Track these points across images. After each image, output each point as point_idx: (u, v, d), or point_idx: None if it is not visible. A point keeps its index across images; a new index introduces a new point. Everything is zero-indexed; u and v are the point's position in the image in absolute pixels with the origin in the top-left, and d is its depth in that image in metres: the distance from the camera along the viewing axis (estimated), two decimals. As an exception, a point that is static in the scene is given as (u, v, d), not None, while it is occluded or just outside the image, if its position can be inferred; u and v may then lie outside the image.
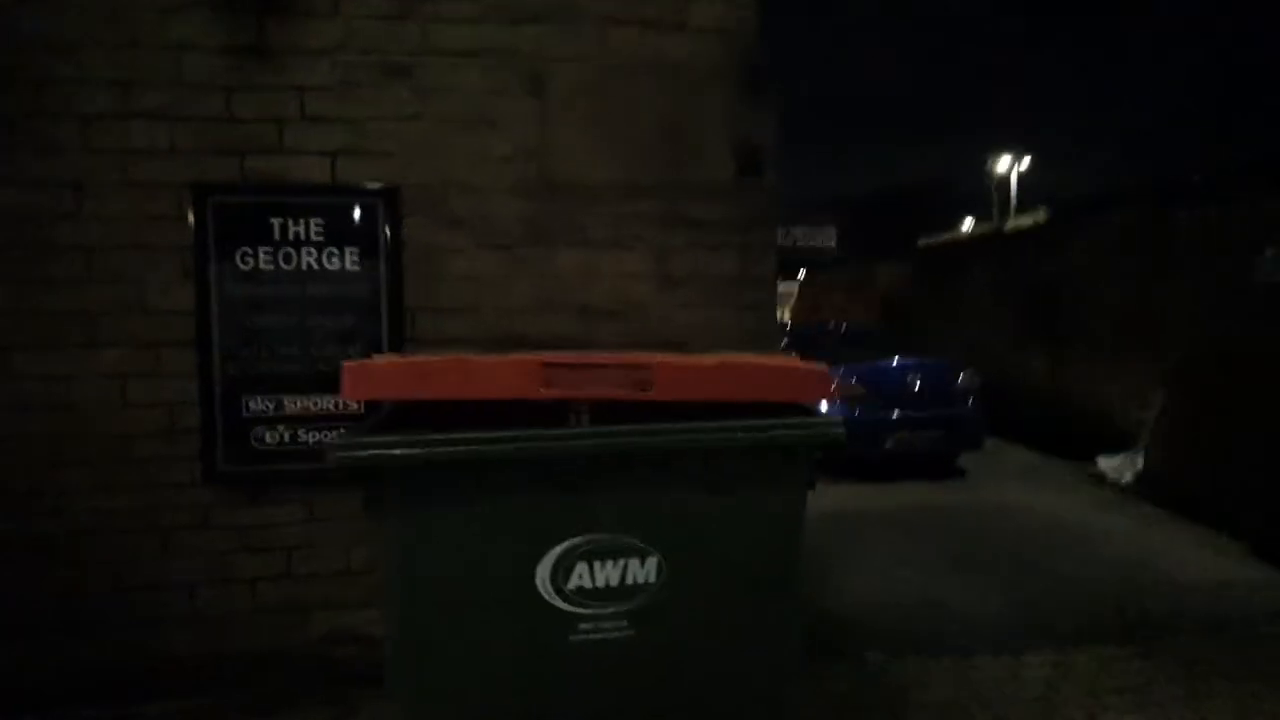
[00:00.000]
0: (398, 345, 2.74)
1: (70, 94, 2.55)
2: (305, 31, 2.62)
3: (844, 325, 8.99)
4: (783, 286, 17.71)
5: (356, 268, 2.71)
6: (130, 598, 2.66)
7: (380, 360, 1.72)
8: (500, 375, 1.66)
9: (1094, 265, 7.45)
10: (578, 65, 2.78)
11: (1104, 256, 7.34)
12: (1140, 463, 5.70)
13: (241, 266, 2.65)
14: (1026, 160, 29.77)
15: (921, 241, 13.50)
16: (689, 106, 2.84)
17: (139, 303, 2.63)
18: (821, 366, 1.80)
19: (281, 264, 2.67)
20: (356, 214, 2.70)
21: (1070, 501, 5.59)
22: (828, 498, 5.77)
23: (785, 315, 15.71)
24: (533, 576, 1.67)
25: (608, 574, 1.72)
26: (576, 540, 1.69)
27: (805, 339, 7.41)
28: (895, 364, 6.39)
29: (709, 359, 1.76)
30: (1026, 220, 9.80)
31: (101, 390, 2.63)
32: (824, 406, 6.04)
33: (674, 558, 1.74)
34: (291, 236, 2.67)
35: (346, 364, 1.65)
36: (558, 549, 1.69)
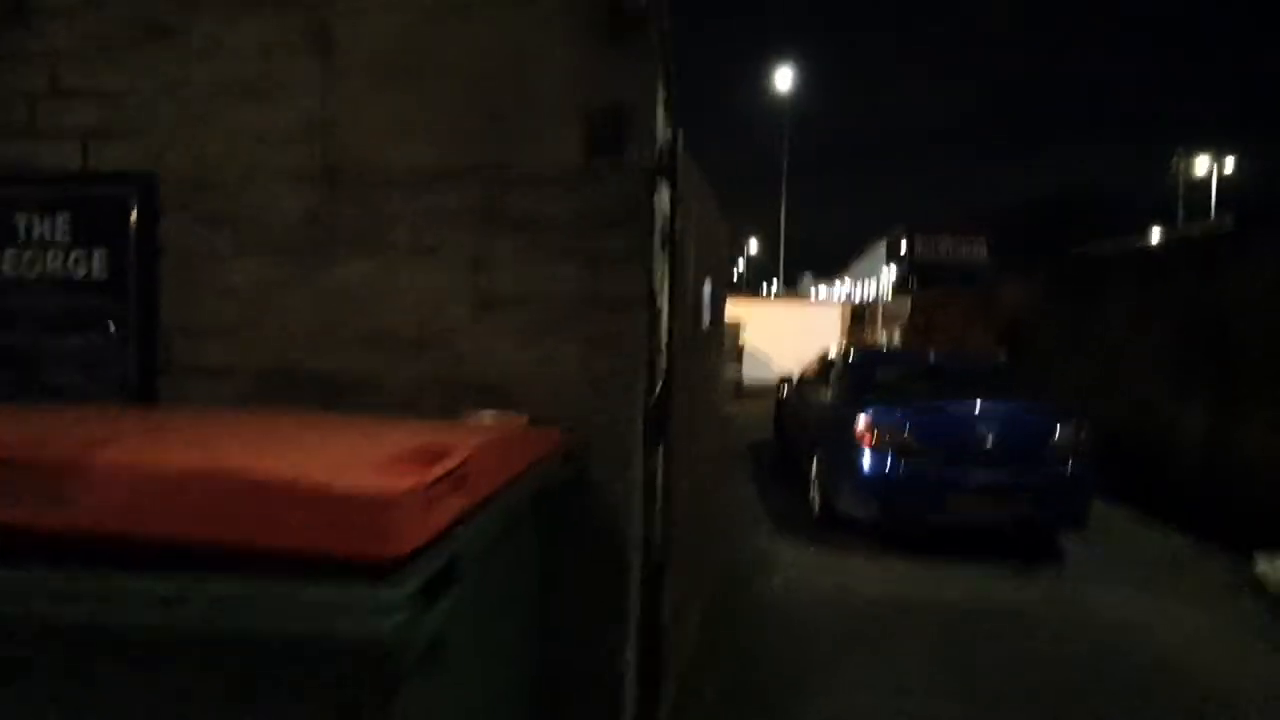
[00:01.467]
0: (149, 375, 2.16)
1: None
2: (47, -16, 2.13)
3: (930, 354, 7.48)
4: (901, 302, 15.82)
5: (105, 275, 2.17)
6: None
7: None
8: None
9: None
10: (377, 9, 2.07)
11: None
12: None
13: (-16, 269, 2.20)
14: (1230, 162, 24.93)
15: (1069, 254, 11.33)
16: (524, 58, 2.03)
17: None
18: (387, 488, 0.94)
19: (25, 271, 2.19)
20: (107, 208, 2.16)
21: (1213, 621, 3.98)
22: (854, 573, 4.57)
23: (895, 338, 13.92)
24: None
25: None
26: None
27: (866, 372, 6.11)
28: (963, 407, 5.01)
29: (194, 459, 0.96)
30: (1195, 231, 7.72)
31: None
32: (867, 459, 4.85)
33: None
34: (37, 237, 2.19)
35: None
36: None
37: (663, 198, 2.28)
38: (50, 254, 2.19)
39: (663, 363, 2.30)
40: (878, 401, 5.16)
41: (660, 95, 2.10)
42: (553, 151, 2.02)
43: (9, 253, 2.20)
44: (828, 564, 4.71)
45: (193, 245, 2.15)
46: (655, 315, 2.16)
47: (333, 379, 2.11)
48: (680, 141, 2.32)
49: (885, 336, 14.50)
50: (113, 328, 2.17)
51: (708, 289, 3.12)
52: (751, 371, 13.46)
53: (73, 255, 2.18)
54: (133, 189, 2.15)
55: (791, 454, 7.03)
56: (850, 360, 6.29)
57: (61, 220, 2.18)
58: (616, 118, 2.00)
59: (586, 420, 2.02)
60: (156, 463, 0.95)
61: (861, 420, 4.97)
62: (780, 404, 8.06)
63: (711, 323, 3.49)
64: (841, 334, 14.68)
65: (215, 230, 2.14)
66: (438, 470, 1.06)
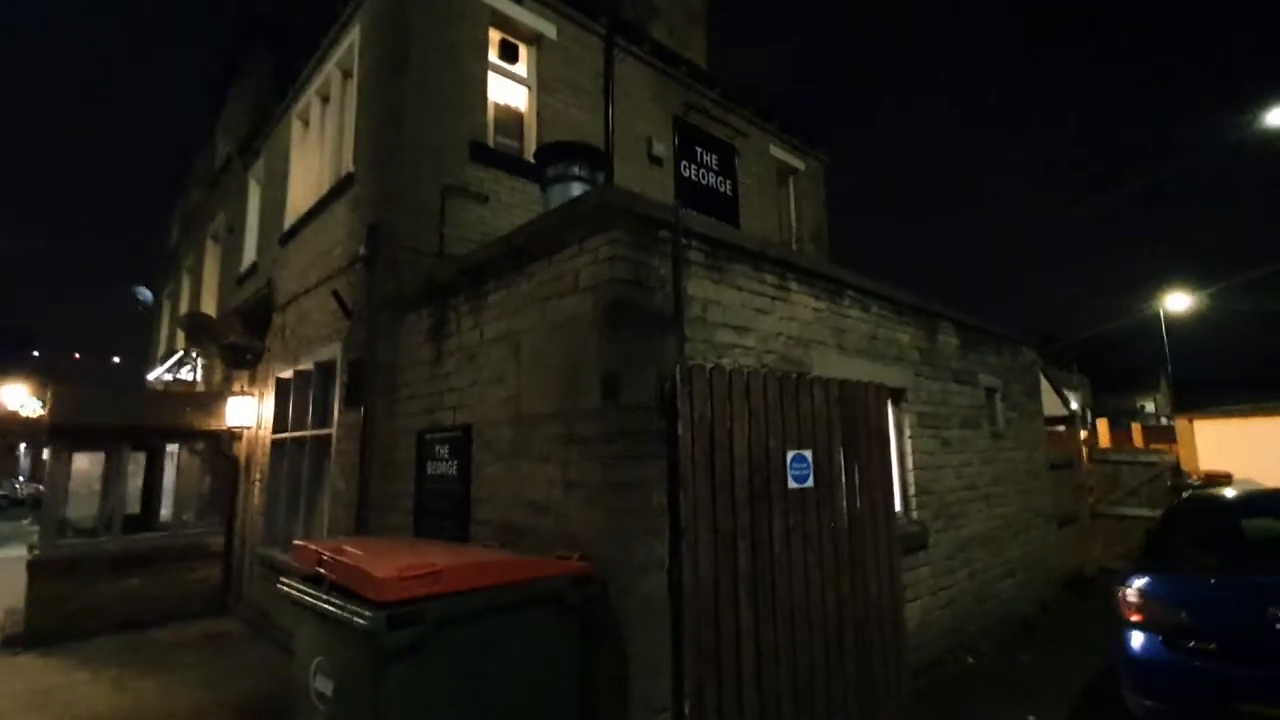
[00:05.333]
0: (466, 521, 4.42)
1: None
2: (445, 344, 4.84)
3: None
4: None
5: (454, 473, 4.59)
6: None
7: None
8: (305, 558, 3.25)
9: None
10: (531, 334, 4.06)
11: None
12: None
13: (429, 470, 4.90)
14: None
15: None
16: (577, 351, 3.68)
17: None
18: (384, 575, 2.66)
19: (439, 469, 4.79)
20: (457, 443, 4.62)
21: None
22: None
23: None
24: None
25: None
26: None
27: (1185, 522, 4.70)
28: (1263, 578, 3.68)
29: (365, 562, 2.88)
30: None
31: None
32: (1135, 639, 4.08)
33: None
34: (438, 453, 4.79)
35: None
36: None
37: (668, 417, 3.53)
38: (443, 461, 4.75)
39: (683, 518, 3.43)
40: (1165, 565, 4.27)
41: (655, 357, 3.45)
42: (589, 400, 3.58)
43: (430, 463, 4.85)
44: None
45: (480, 458, 4.39)
46: (674, 487, 3.39)
47: (518, 527, 3.97)
48: (680, 381, 3.53)
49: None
50: (455, 497, 4.54)
51: (792, 455, 3.92)
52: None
53: (449, 461, 4.69)
54: (462, 432, 4.56)
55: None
56: (1178, 503, 5.06)
57: (446, 447, 4.73)
58: (614, 377, 3.45)
59: (606, 557, 3.36)
60: (358, 566, 2.90)
61: (1130, 588, 4.23)
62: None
63: (832, 481, 4.13)
64: None
65: (485, 450, 4.34)
66: (415, 571, 2.74)
